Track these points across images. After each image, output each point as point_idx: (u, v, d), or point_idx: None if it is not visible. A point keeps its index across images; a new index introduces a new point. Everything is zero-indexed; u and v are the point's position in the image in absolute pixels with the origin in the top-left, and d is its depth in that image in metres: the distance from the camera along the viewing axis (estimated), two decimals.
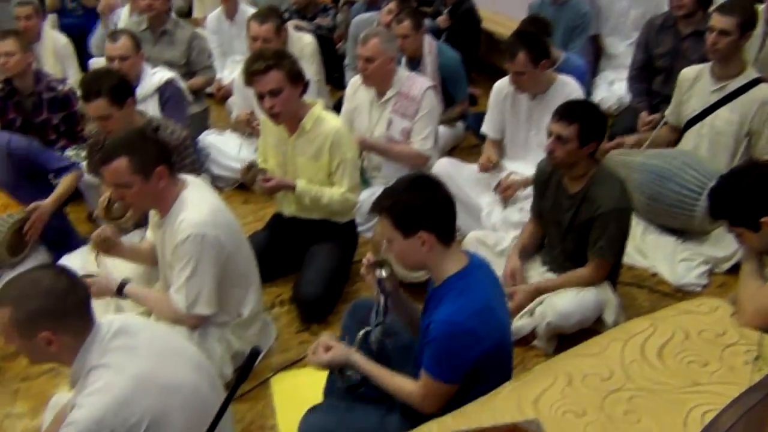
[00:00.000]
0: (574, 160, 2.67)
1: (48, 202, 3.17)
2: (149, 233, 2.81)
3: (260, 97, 2.87)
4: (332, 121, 3.00)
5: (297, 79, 2.89)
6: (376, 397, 2.22)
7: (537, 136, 3.41)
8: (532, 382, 1.89)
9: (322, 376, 2.40)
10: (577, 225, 2.75)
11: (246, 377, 1.52)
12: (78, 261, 3.14)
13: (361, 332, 2.20)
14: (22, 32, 4.19)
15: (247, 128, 4.12)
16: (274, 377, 2.72)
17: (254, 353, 1.51)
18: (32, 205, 3.13)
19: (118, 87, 2.91)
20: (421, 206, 1.94)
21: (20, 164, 3.20)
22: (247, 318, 2.66)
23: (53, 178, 3.34)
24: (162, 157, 2.38)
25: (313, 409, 2.21)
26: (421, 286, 2.94)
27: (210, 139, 4.24)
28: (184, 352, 1.96)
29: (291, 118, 2.95)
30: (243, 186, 4.02)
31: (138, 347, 1.83)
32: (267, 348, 2.83)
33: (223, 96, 5.15)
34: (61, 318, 1.72)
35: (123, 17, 5.07)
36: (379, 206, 2.00)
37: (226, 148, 4.17)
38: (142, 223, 3.17)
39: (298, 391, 2.63)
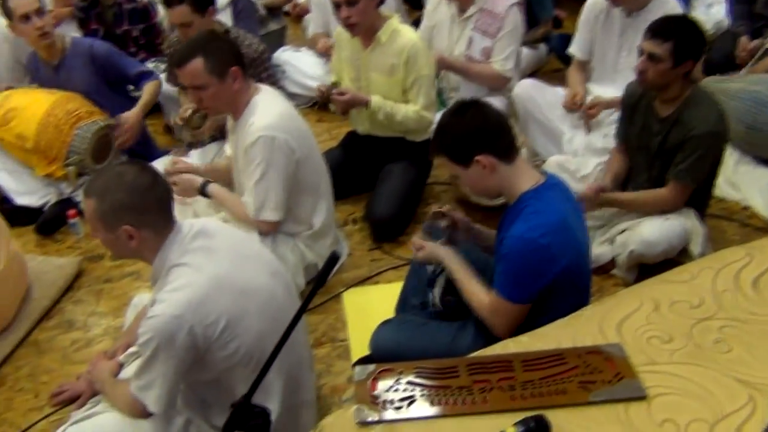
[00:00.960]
0: (666, 81, 2.50)
1: (135, 112, 3.24)
2: (228, 147, 2.82)
3: (337, 6, 2.79)
4: (409, 35, 2.90)
5: None
6: (449, 316, 2.21)
7: (628, 57, 3.20)
8: (615, 306, 1.82)
9: (394, 293, 2.41)
10: (666, 150, 2.60)
11: (325, 281, 1.50)
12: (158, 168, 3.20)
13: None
14: None
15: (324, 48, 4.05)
16: (346, 292, 2.73)
17: (334, 257, 1.48)
18: (122, 116, 3.18)
19: (201, 2, 2.88)
20: (467, 132, 1.88)
21: (102, 70, 3.24)
22: (319, 229, 2.66)
23: (134, 90, 3.38)
24: (235, 58, 2.37)
25: (385, 323, 2.22)
26: (498, 209, 2.89)
27: (286, 56, 4.19)
28: (261, 257, 1.97)
29: (367, 30, 2.87)
30: (318, 104, 4.00)
31: (217, 249, 1.84)
32: (339, 264, 2.84)
33: (299, 13, 5.06)
34: (143, 212, 1.74)
35: None
36: (433, 148, 1.97)
37: (301, 65, 4.12)
38: (217, 136, 3.20)
39: (369, 306, 2.64)
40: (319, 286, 1.50)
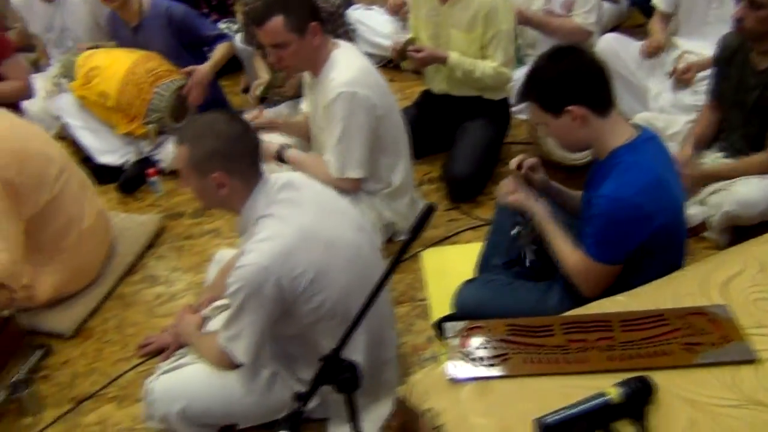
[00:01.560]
0: (767, 30, 2.35)
1: (205, 66, 3.24)
2: (305, 105, 2.80)
3: None
4: None
5: None
6: (534, 275, 2.16)
7: (719, 9, 3.03)
8: (717, 267, 1.74)
9: (472, 254, 2.36)
10: (764, 106, 2.45)
11: (418, 233, 1.45)
12: None
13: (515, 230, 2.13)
14: None
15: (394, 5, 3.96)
16: (424, 252, 2.70)
17: (429, 209, 1.44)
18: (189, 68, 3.19)
19: None
20: (562, 79, 1.78)
21: (179, 32, 3.25)
22: (397, 187, 2.62)
23: (208, 51, 3.39)
24: (314, 13, 2.33)
25: (469, 282, 2.18)
26: (581, 169, 2.80)
27: (357, 14, 4.12)
28: (346, 213, 1.95)
29: None
30: (390, 64, 3.94)
31: (303, 201, 1.83)
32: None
33: None
34: (234, 160, 1.74)
35: None
36: (522, 93, 1.88)
37: (373, 24, 4.05)
38: (298, 94, 3.18)
39: (448, 266, 2.61)
40: (413, 239, 1.46)
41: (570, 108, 1.78)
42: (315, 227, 1.79)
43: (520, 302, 2.05)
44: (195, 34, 3.29)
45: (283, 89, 3.00)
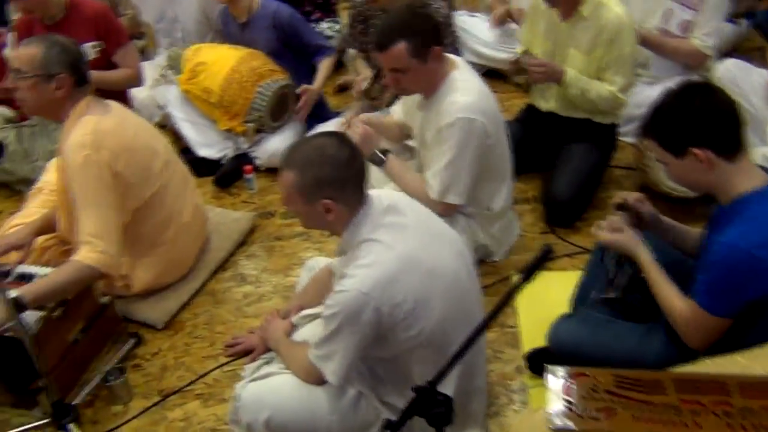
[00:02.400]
0: None
1: (314, 88, 3.28)
2: (397, 109, 2.75)
3: None
4: (615, 9, 2.67)
5: None
6: (634, 314, 2.05)
7: None
8: None
9: (567, 282, 2.27)
10: None
11: (534, 274, 1.40)
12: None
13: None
14: None
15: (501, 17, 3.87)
16: (517, 276, 2.62)
17: (547, 252, 1.38)
18: (303, 87, 3.23)
19: None
20: (689, 120, 1.67)
21: (284, 34, 3.28)
22: (496, 213, 2.56)
23: (312, 59, 3.39)
24: (437, 37, 2.28)
25: (566, 317, 2.10)
26: (690, 202, 2.66)
27: (459, 20, 4.04)
28: (446, 237, 1.91)
29: (568, 2, 2.67)
30: (490, 73, 3.86)
31: (407, 226, 1.79)
32: (509, 245, 2.73)
33: None
34: (342, 187, 1.72)
35: None
36: (643, 129, 1.77)
37: (476, 31, 3.96)
38: (392, 102, 3.15)
39: (541, 293, 2.48)
40: (526, 280, 1.42)
41: (695, 151, 1.67)
42: (417, 254, 1.75)
43: (620, 343, 1.96)
44: (298, 39, 3.31)
45: (377, 101, 2.98)
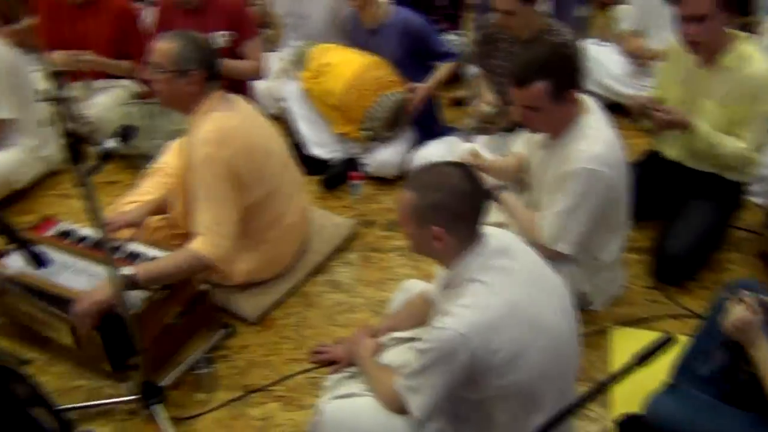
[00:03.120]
0: None
1: (426, 86, 3.24)
2: (519, 142, 2.69)
3: (684, 19, 2.48)
4: (762, 64, 2.50)
5: (730, 4, 2.44)
6: (743, 399, 1.92)
7: None
8: None
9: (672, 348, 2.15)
10: None
11: (647, 360, 1.34)
12: (441, 149, 3.19)
13: None
14: None
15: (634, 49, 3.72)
16: (615, 330, 2.52)
17: (667, 341, 1.31)
18: (410, 85, 3.21)
19: None
20: None
21: (411, 43, 3.27)
22: (604, 263, 2.46)
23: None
24: (576, 80, 2.22)
25: (667, 391, 1.99)
26: None
27: (589, 49, 3.91)
28: (556, 290, 1.84)
29: (709, 49, 2.53)
30: (614, 107, 3.71)
31: (516, 272, 1.75)
32: (611, 295, 2.62)
33: (607, 1, 4.73)
34: (456, 218, 1.69)
35: None
36: None
37: (605, 62, 3.82)
38: (508, 128, 3.09)
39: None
40: (638, 365, 1.36)
41: None
42: (522, 303, 1.70)
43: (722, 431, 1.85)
44: (425, 47, 3.29)
45: (491, 126, 2.93)
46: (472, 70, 3.42)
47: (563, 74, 2.17)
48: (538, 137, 2.40)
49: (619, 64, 3.79)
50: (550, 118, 2.22)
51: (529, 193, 2.53)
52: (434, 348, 1.68)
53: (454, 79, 3.80)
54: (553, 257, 2.28)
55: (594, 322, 2.54)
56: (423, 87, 3.25)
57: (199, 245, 2.28)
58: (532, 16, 2.86)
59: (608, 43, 3.97)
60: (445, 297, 1.80)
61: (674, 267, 2.69)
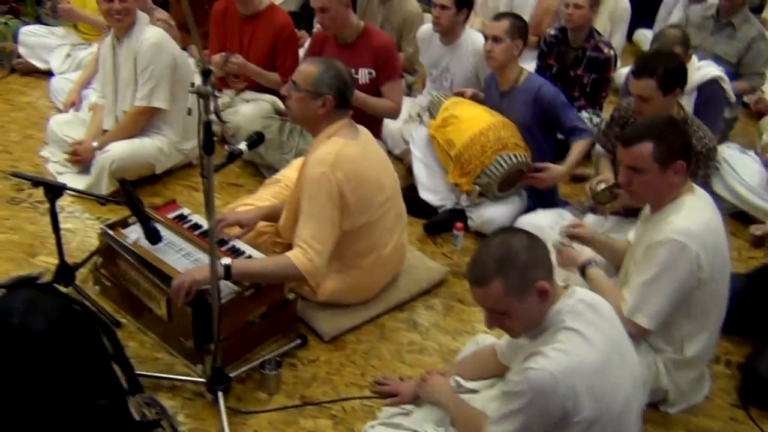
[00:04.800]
0: None
1: (561, 169, 3.29)
2: (632, 233, 2.66)
3: None
4: None
5: None
6: None
7: None
8: None
9: None
10: None
11: None
12: (549, 219, 3.19)
13: None
14: None
15: None
16: None
17: None
18: (544, 164, 3.26)
19: (672, 73, 2.75)
20: None
21: (541, 111, 3.31)
22: (688, 359, 2.36)
23: (564, 137, 3.39)
24: (685, 153, 2.23)
25: None
26: None
27: (727, 152, 3.80)
28: (633, 363, 1.86)
29: None
30: (738, 215, 3.58)
31: (606, 331, 1.78)
32: (691, 403, 2.50)
33: (760, 110, 4.57)
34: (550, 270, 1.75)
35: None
36: None
37: (740, 169, 3.69)
38: (621, 212, 3.05)
39: None
40: None
41: None
42: (609, 364, 1.73)
43: None
44: (556, 118, 3.33)
45: (603, 206, 2.90)
46: (598, 149, 3.42)
47: (673, 141, 2.19)
48: (645, 211, 2.38)
49: (755, 175, 3.65)
50: (653, 183, 2.21)
51: (625, 272, 2.49)
52: (526, 391, 1.70)
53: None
54: (635, 333, 2.24)
55: (666, 425, 2.43)
56: (558, 169, 3.29)
57: (295, 255, 2.43)
58: (670, 106, 2.84)
59: (749, 152, 3.83)
60: (534, 342, 1.80)
61: (762, 390, 2.52)
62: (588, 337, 1.72)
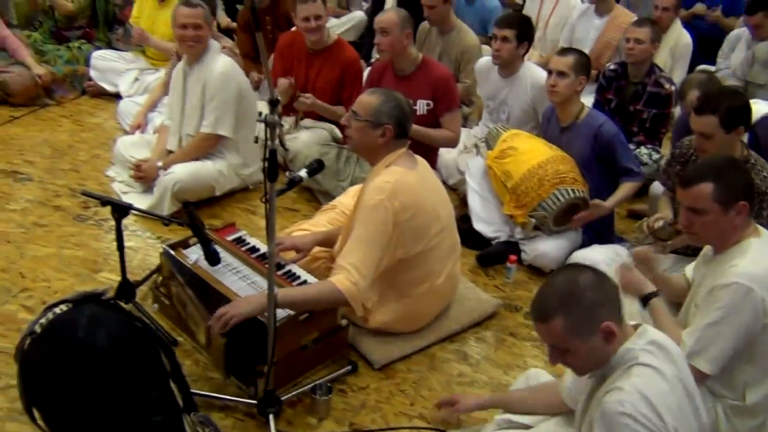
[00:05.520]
0: None
1: (607, 206, 3.27)
2: (688, 270, 2.61)
3: None
4: None
5: None
6: None
7: None
8: None
9: None
10: None
11: None
12: (604, 254, 3.15)
13: None
14: (656, 22, 4.24)
15: None
16: None
17: None
18: (595, 201, 3.24)
19: (736, 111, 2.70)
20: None
21: (599, 149, 3.29)
22: (749, 406, 2.27)
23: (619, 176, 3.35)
24: (747, 193, 2.18)
25: None
26: None
27: None
28: (700, 407, 1.81)
29: None
30: None
31: (678, 367, 1.75)
32: None
33: None
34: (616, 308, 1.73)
35: None
36: None
37: None
38: (680, 251, 3.00)
39: None
40: None
41: None
42: (682, 404, 1.72)
43: None
44: (612, 157, 3.30)
45: (663, 244, 2.85)
46: (658, 187, 3.37)
47: (733, 181, 2.15)
48: (704, 254, 2.33)
49: None
50: (713, 225, 2.17)
51: (685, 313, 2.44)
52: (606, 424, 1.67)
53: (640, 193, 3.73)
54: (697, 379, 2.17)
55: None
56: (603, 206, 3.26)
57: (339, 279, 2.44)
58: (732, 144, 2.78)
59: None
60: (602, 387, 1.77)
61: None
62: (663, 371, 1.70)
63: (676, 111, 3.98)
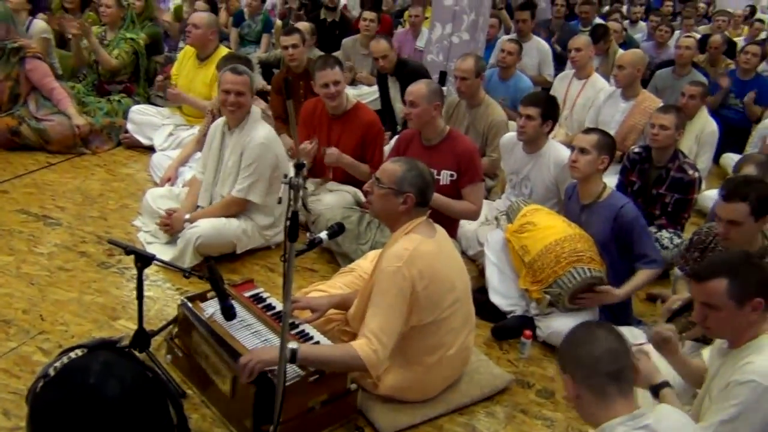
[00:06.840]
0: None
1: (620, 293, 3.26)
2: (706, 353, 2.58)
3: None
4: None
5: None
6: None
7: None
8: None
9: None
10: None
11: None
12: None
13: None
14: (681, 109, 4.30)
15: None
16: None
17: None
18: (604, 288, 3.24)
19: (765, 199, 2.71)
20: None
21: (619, 231, 3.28)
22: None
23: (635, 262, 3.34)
24: (762, 289, 2.16)
25: None
26: None
27: None
28: None
29: None
30: None
31: None
32: None
33: None
34: (591, 375, 1.80)
35: None
36: None
37: None
38: (700, 339, 2.96)
39: None
40: None
41: None
42: None
43: None
44: (630, 242, 3.28)
45: (683, 335, 2.82)
46: (676, 271, 3.35)
47: (748, 277, 2.14)
48: (720, 343, 2.31)
49: None
50: (727, 321, 2.16)
51: (698, 404, 2.40)
52: None
53: (660, 277, 3.71)
54: None
55: None
56: (613, 293, 3.25)
57: (360, 345, 2.46)
58: (756, 233, 2.79)
59: None
60: None
61: None
62: None
63: (707, 195, 3.97)
